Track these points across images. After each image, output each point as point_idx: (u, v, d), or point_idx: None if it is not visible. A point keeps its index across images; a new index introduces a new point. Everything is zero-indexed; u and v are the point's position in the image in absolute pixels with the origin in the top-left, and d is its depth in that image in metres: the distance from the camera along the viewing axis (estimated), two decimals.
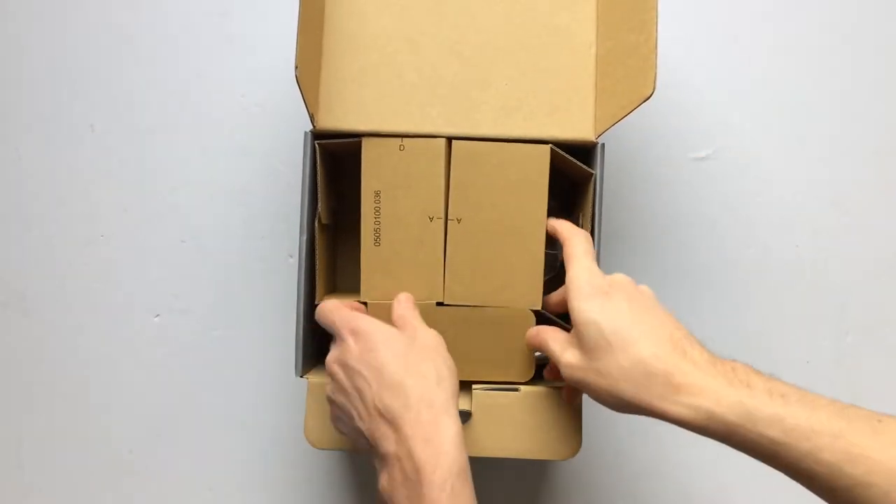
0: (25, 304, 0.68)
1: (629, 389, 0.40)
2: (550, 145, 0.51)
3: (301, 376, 0.51)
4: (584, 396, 0.49)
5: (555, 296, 0.51)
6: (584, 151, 0.54)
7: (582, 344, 0.42)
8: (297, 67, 0.47)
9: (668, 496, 0.66)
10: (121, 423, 0.67)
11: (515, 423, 0.51)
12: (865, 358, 0.67)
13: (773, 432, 0.36)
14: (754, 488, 0.65)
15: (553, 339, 0.46)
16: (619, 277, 0.45)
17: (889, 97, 0.68)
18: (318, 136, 0.52)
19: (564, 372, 0.44)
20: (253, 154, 0.67)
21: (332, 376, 0.45)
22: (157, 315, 0.67)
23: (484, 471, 0.64)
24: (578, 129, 0.53)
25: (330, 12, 0.53)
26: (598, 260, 0.52)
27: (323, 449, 0.51)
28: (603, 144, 0.52)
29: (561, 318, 0.52)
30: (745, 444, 0.37)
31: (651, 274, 0.67)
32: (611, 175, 0.66)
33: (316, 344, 0.55)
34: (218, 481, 0.67)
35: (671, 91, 0.68)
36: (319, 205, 0.53)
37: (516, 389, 0.51)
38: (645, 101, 0.48)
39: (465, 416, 0.50)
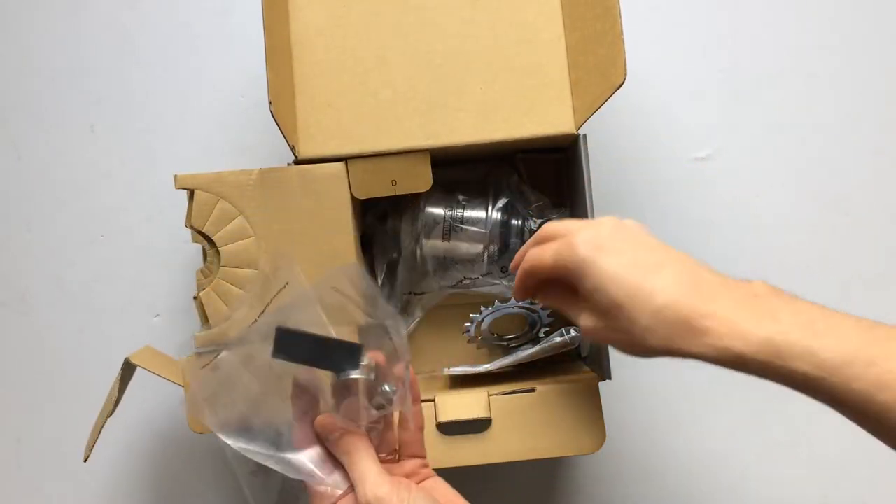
0: (25, 304, 0.68)
1: (655, 341, 0.37)
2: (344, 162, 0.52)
3: None
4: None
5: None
6: (568, 144, 0.54)
7: (595, 309, 0.40)
8: (270, 103, 0.47)
9: (673, 494, 0.66)
10: (121, 424, 0.66)
11: (536, 424, 0.51)
12: None
13: (806, 367, 0.35)
14: (759, 486, 0.65)
15: (567, 304, 0.42)
16: (605, 222, 0.41)
17: (889, 97, 0.68)
18: (300, 162, 0.52)
19: (587, 335, 0.41)
20: (253, 154, 0.67)
21: None
22: (157, 315, 0.67)
23: (493, 470, 0.64)
24: (558, 122, 0.53)
25: (296, 39, 0.54)
26: None
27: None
28: (585, 135, 0.52)
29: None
30: (779, 379, 0.36)
31: None
32: (611, 175, 0.67)
33: None
34: (219, 482, 0.67)
35: (671, 91, 0.68)
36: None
37: (532, 390, 0.51)
38: (618, 88, 0.48)
39: (485, 424, 0.50)
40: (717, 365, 0.37)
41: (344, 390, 0.42)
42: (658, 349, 0.37)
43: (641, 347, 0.38)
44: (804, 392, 0.36)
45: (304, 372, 0.43)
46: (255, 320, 0.47)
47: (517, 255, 0.45)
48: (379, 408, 0.42)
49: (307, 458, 0.42)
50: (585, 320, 0.40)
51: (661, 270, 0.38)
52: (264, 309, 0.47)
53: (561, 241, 0.40)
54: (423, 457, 0.45)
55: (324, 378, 0.43)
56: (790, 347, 0.35)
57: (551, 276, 0.42)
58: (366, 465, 0.39)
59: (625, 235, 0.40)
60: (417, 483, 0.42)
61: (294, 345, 0.41)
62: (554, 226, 0.42)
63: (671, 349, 0.37)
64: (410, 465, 0.44)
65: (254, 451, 0.43)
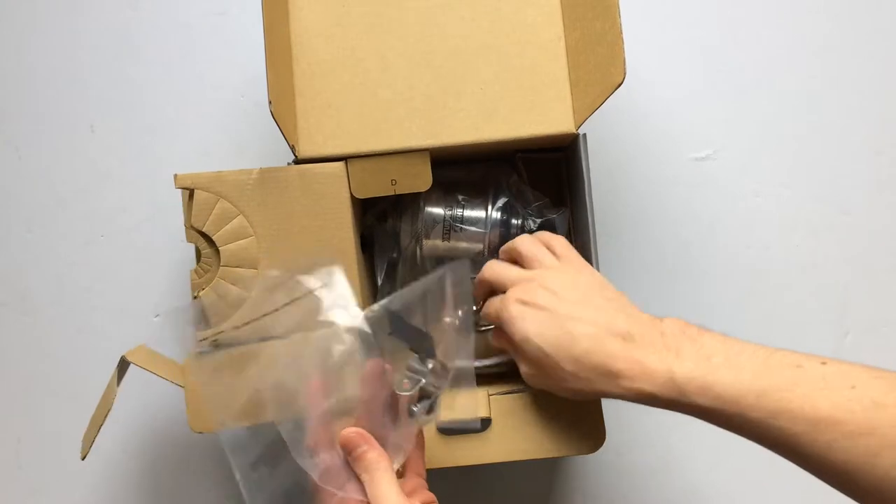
0: (25, 304, 0.68)
1: (580, 385, 0.42)
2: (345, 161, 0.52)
3: None
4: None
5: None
6: (567, 144, 0.54)
7: (527, 358, 0.45)
8: (270, 103, 0.47)
9: (672, 494, 0.66)
10: (120, 423, 0.67)
11: (536, 424, 0.51)
12: (865, 358, 0.66)
13: (705, 401, 0.38)
14: (760, 484, 0.65)
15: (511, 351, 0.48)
16: (536, 278, 0.46)
17: (889, 97, 0.68)
18: (300, 162, 0.52)
19: (527, 382, 0.46)
20: (253, 154, 0.67)
21: None
22: (157, 315, 0.67)
23: (493, 470, 0.64)
24: (558, 122, 0.52)
25: (296, 39, 0.53)
26: (596, 261, 0.52)
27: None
28: (584, 135, 0.52)
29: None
30: (686, 412, 0.40)
31: (651, 274, 0.67)
32: (611, 175, 0.67)
33: None
34: (218, 482, 0.67)
35: (671, 91, 0.68)
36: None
37: (532, 390, 0.51)
38: (617, 87, 0.48)
39: (485, 423, 0.50)
40: (635, 402, 0.41)
41: (393, 397, 0.44)
42: (585, 392, 0.42)
43: (572, 391, 0.43)
44: (710, 422, 0.39)
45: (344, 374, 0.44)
46: (277, 310, 0.47)
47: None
48: (428, 411, 0.44)
49: (322, 462, 0.42)
50: (522, 368, 0.46)
51: (581, 319, 0.43)
52: (285, 305, 0.47)
53: (502, 298, 0.46)
54: (424, 476, 0.45)
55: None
56: (689, 384, 0.38)
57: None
58: (387, 487, 0.40)
59: (557, 285, 0.45)
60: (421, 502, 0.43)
61: (401, 329, 0.44)
62: (498, 273, 0.48)
63: (596, 392, 0.42)
64: (413, 482, 0.44)
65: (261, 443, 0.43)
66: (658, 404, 0.40)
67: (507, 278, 0.47)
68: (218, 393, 0.47)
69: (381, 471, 0.41)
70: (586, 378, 0.42)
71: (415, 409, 0.44)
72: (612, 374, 0.41)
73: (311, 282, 0.47)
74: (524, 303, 0.44)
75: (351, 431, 0.42)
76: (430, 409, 0.44)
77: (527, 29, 0.53)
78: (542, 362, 0.43)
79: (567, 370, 0.42)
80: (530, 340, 0.43)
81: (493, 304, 0.48)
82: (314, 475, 0.42)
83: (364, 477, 0.41)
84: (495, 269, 0.49)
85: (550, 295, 0.44)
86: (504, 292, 0.47)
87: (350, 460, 0.42)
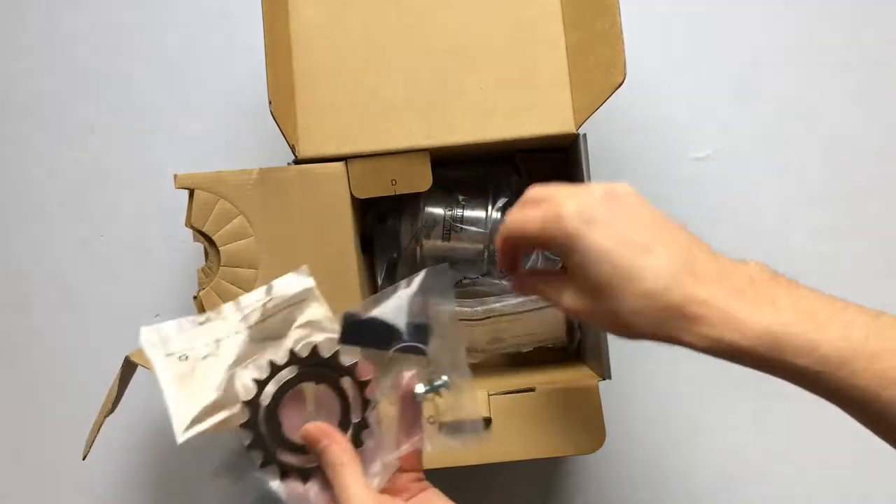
0: (25, 305, 0.68)
1: (642, 326, 0.35)
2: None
3: None
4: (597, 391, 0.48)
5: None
6: (567, 144, 0.54)
7: (581, 287, 0.36)
8: (270, 103, 0.47)
9: (672, 493, 0.66)
10: (120, 424, 0.66)
11: (536, 424, 0.51)
12: None
13: (806, 361, 0.33)
14: (760, 485, 0.65)
15: (547, 285, 0.39)
16: (596, 190, 0.37)
17: (889, 98, 0.68)
18: (300, 162, 0.52)
19: (570, 315, 0.40)
20: (253, 154, 0.67)
21: None
22: (157, 315, 0.67)
23: (493, 470, 0.64)
24: (558, 122, 0.53)
25: (296, 39, 0.54)
26: None
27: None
28: (584, 135, 0.52)
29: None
30: (775, 372, 0.34)
31: None
32: (611, 175, 0.67)
33: None
34: (218, 482, 0.66)
35: (671, 91, 0.68)
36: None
37: (532, 390, 0.51)
38: (617, 87, 0.48)
39: (485, 423, 0.50)
40: (708, 354, 0.34)
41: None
42: (645, 334, 0.35)
43: (627, 331, 0.36)
44: (801, 386, 0.34)
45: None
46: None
47: (501, 226, 0.40)
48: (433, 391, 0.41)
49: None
50: (569, 300, 0.37)
51: (653, 250, 0.35)
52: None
53: (547, 208, 0.36)
54: (419, 471, 0.43)
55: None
56: (790, 340, 0.33)
57: (536, 245, 0.40)
58: (350, 479, 0.38)
59: (616, 206, 0.36)
60: (407, 499, 0.41)
61: (361, 331, 0.41)
62: (540, 190, 0.38)
63: (658, 335, 0.35)
64: (404, 479, 0.42)
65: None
66: (739, 359, 0.34)
67: (558, 193, 0.37)
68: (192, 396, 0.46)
69: (344, 465, 0.38)
70: (652, 320, 0.34)
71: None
72: (687, 318, 0.34)
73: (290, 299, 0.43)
74: (586, 220, 0.35)
75: (311, 426, 0.40)
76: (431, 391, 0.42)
77: (527, 29, 0.53)
78: (599, 294, 0.35)
79: (629, 306, 0.34)
80: (592, 266, 0.35)
81: (535, 215, 0.37)
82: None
83: (329, 472, 0.39)
84: (543, 188, 0.38)
85: (615, 214, 0.36)
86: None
87: (316, 456, 0.40)
